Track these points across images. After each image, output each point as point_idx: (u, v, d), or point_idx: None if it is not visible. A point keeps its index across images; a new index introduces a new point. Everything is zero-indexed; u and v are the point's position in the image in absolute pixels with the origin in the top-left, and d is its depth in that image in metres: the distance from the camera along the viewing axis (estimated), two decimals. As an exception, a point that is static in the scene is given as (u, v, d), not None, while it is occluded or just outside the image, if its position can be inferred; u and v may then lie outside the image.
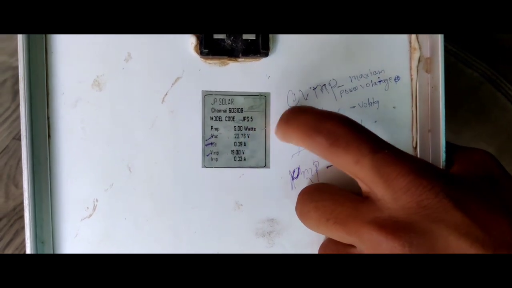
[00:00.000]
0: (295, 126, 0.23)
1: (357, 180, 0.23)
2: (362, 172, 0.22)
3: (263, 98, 0.26)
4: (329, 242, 0.25)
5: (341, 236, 0.23)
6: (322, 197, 0.24)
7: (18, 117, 0.27)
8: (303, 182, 0.26)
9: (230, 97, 0.26)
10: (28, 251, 0.24)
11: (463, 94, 0.41)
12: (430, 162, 0.26)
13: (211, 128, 0.26)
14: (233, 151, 0.26)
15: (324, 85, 0.26)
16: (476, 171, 0.23)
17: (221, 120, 0.26)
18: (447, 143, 0.25)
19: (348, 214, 0.22)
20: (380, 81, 0.26)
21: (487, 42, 0.43)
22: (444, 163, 0.25)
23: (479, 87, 0.41)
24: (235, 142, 0.26)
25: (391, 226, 0.21)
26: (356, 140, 0.22)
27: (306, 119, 0.23)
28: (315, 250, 0.26)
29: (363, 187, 0.23)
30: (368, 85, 0.26)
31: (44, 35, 0.25)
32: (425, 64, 0.26)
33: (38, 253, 0.25)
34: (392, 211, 0.21)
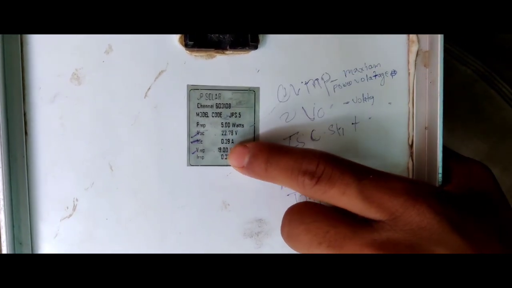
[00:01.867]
0: (277, 170, 0.22)
1: (349, 209, 0.22)
2: (350, 202, 0.21)
3: (252, 93, 0.24)
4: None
5: None
6: (313, 218, 0.22)
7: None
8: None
9: (217, 92, 0.24)
10: (5, 252, 0.23)
11: (456, 91, 0.40)
12: (426, 161, 0.25)
13: (197, 125, 0.24)
14: (220, 148, 0.24)
15: (317, 79, 0.25)
16: (473, 188, 0.23)
17: (208, 116, 0.24)
18: (444, 147, 0.24)
19: (343, 237, 0.21)
20: (375, 76, 0.25)
21: (482, 39, 0.41)
22: (441, 163, 0.24)
23: (473, 85, 0.40)
24: (222, 139, 0.24)
25: (391, 249, 0.20)
26: (338, 172, 0.21)
27: (288, 161, 0.22)
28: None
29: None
30: (363, 79, 0.25)
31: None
32: (423, 58, 0.25)
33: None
34: (391, 233, 0.20)
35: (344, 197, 0.21)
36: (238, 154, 0.23)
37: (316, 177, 0.21)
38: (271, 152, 0.23)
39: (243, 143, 0.24)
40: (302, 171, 0.22)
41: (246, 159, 0.23)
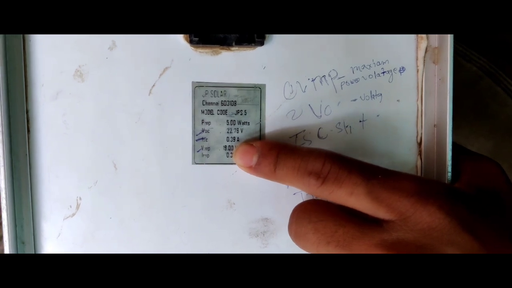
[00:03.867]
0: (285, 171, 0.22)
1: (357, 209, 0.21)
2: (359, 202, 0.21)
3: (258, 90, 0.24)
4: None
5: None
6: (321, 217, 0.21)
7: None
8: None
9: (222, 89, 0.24)
10: (7, 252, 0.23)
11: (461, 88, 0.39)
12: (435, 159, 0.24)
13: (202, 122, 0.24)
14: (225, 146, 0.24)
15: (324, 76, 0.24)
16: (483, 185, 0.22)
17: (213, 114, 0.24)
18: (453, 143, 0.23)
19: (352, 236, 0.21)
20: (383, 72, 0.24)
21: (486, 35, 0.40)
22: (450, 161, 0.23)
23: (478, 82, 0.39)
24: (227, 137, 0.24)
25: (401, 249, 0.20)
26: (345, 172, 0.21)
27: (294, 161, 0.22)
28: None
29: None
30: (371, 76, 0.24)
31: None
32: (432, 54, 0.24)
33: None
34: (401, 233, 0.20)
35: (352, 197, 0.21)
36: (245, 153, 0.23)
37: (322, 177, 0.21)
38: (280, 153, 0.22)
39: (248, 142, 0.23)
40: (308, 171, 0.21)
41: (255, 159, 0.22)
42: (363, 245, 0.20)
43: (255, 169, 0.22)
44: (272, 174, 0.22)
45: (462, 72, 0.39)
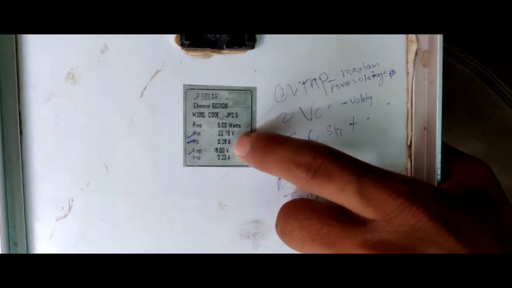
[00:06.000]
0: (273, 161, 0.21)
1: (345, 207, 0.21)
2: (348, 200, 0.20)
3: (249, 93, 0.24)
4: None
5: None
6: (307, 215, 0.21)
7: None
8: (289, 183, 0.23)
9: (213, 92, 0.23)
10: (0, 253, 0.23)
11: (454, 90, 0.39)
12: (425, 161, 0.24)
13: (193, 125, 0.24)
14: (216, 149, 0.24)
15: (315, 79, 0.24)
16: (472, 187, 0.22)
17: (204, 116, 0.24)
18: (444, 144, 0.23)
19: (336, 235, 0.20)
20: (374, 76, 0.24)
21: (480, 37, 0.40)
22: (440, 164, 0.23)
23: (471, 84, 0.39)
24: (218, 139, 0.24)
25: (383, 249, 0.19)
26: (337, 168, 0.20)
27: (283, 152, 0.21)
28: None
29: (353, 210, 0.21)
30: (361, 79, 0.24)
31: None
32: (422, 57, 0.24)
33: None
34: (384, 234, 0.20)
35: (342, 194, 0.20)
36: (241, 144, 0.23)
37: (312, 171, 0.20)
38: (268, 142, 0.22)
39: (248, 133, 0.23)
40: (297, 163, 0.20)
41: (248, 149, 0.22)
42: (346, 244, 0.20)
43: (247, 159, 0.22)
44: (261, 164, 0.22)
45: (454, 74, 0.39)
